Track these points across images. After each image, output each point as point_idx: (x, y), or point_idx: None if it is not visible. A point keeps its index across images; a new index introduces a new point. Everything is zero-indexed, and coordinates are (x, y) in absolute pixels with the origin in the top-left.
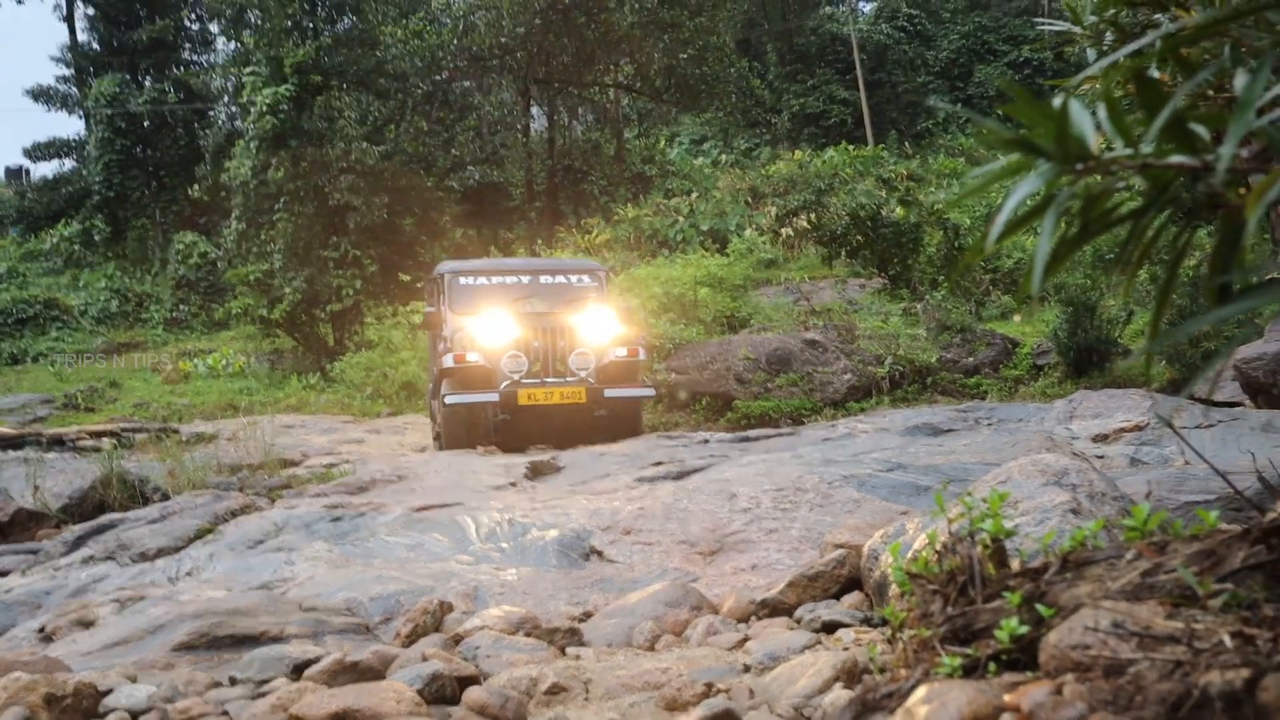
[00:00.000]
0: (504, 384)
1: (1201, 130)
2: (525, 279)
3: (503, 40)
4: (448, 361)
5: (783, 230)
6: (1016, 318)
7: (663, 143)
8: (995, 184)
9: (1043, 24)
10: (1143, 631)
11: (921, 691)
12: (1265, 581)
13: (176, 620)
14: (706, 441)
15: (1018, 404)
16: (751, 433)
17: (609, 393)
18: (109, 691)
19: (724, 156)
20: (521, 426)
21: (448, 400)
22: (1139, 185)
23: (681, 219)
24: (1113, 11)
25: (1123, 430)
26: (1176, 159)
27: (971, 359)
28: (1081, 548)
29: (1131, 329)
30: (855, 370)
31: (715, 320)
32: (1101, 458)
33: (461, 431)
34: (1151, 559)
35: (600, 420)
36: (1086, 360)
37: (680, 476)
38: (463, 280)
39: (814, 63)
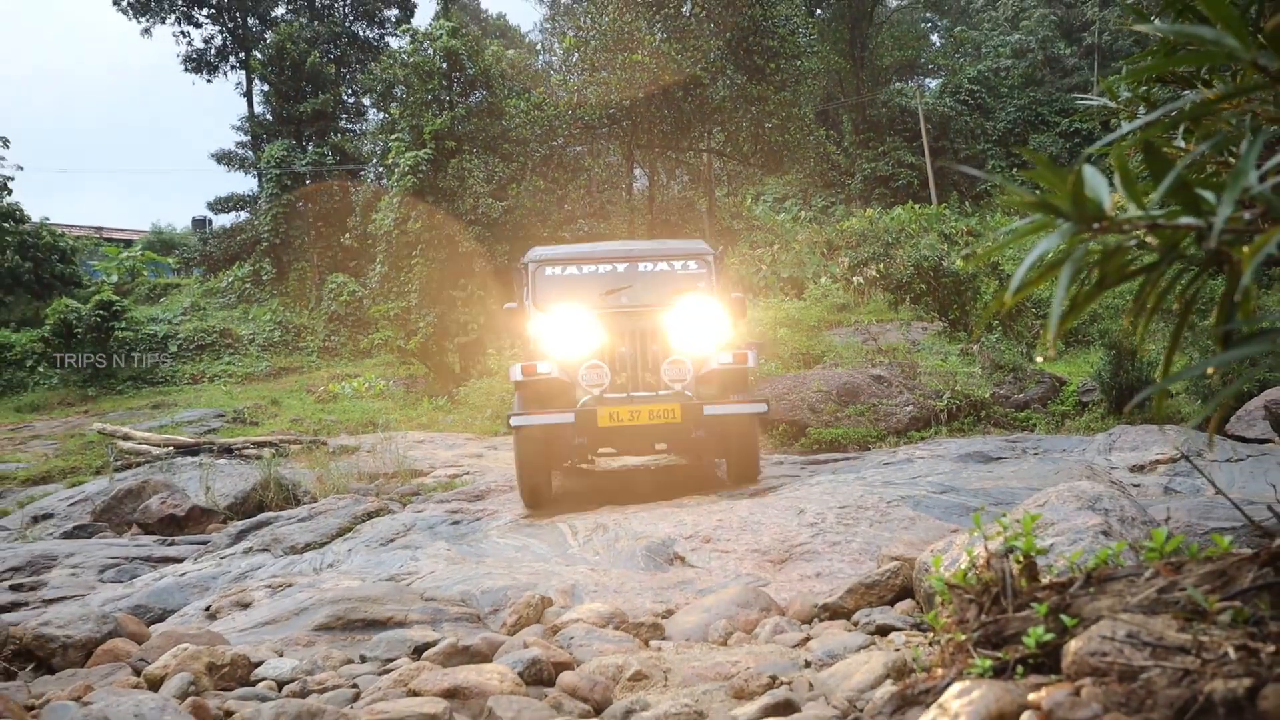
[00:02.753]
0: (582, 401)
1: (1208, 194)
2: (621, 267)
3: (610, 111)
4: (515, 374)
5: (854, 278)
6: (1042, 356)
7: (749, 200)
8: (1021, 240)
9: (1082, 100)
10: (1155, 642)
11: (955, 689)
12: (1272, 600)
13: (318, 605)
14: (781, 464)
15: (1062, 436)
16: (821, 456)
17: (709, 410)
18: (260, 663)
19: (803, 213)
20: (601, 453)
21: (513, 422)
22: (1153, 242)
23: (765, 267)
24: (1144, 89)
25: (1158, 462)
26: (1182, 220)
27: (1022, 395)
28: (1105, 566)
29: (1171, 373)
30: (916, 403)
31: (792, 356)
32: (1137, 486)
33: (536, 460)
34: (1167, 577)
35: (703, 446)
36: (1127, 398)
37: (755, 494)
38: (549, 270)
39: (884, 131)
